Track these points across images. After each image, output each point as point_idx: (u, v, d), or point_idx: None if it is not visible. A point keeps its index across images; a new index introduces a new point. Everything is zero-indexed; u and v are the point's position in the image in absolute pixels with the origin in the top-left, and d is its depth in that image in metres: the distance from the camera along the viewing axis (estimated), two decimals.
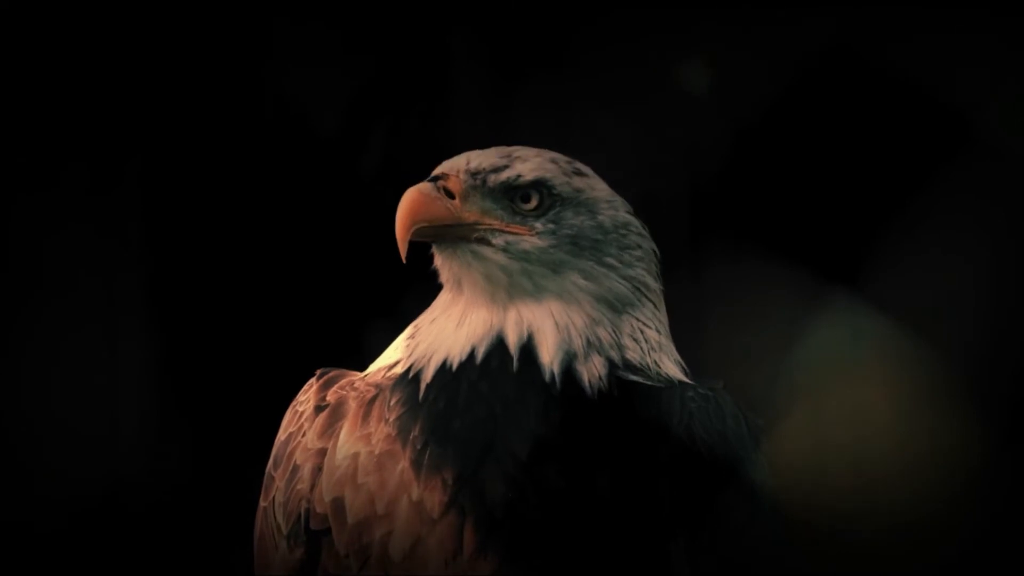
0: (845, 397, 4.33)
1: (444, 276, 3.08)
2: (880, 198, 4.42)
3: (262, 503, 3.12)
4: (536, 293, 3.01)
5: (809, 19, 4.32)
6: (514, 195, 3.03)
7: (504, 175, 3.02)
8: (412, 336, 3.10)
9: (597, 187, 3.10)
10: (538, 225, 3.02)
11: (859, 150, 4.47)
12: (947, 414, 4.29)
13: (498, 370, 2.97)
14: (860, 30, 4.30)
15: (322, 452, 3.02)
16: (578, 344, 2.99)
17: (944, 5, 4.26)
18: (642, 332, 3.05)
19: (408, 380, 3.02)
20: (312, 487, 3.00)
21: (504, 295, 3.01)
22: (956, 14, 4.24)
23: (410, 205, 2.97)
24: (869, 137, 4.46)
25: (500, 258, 3.00)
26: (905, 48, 4.26)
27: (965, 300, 4.36)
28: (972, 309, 4.37)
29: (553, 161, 3.06)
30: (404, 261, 2.99)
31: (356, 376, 3.15)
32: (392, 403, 3.00)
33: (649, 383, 3.02)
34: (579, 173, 3.08)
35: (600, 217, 3.06)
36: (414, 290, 3.15)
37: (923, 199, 4.30)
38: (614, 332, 3.02)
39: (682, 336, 3.22)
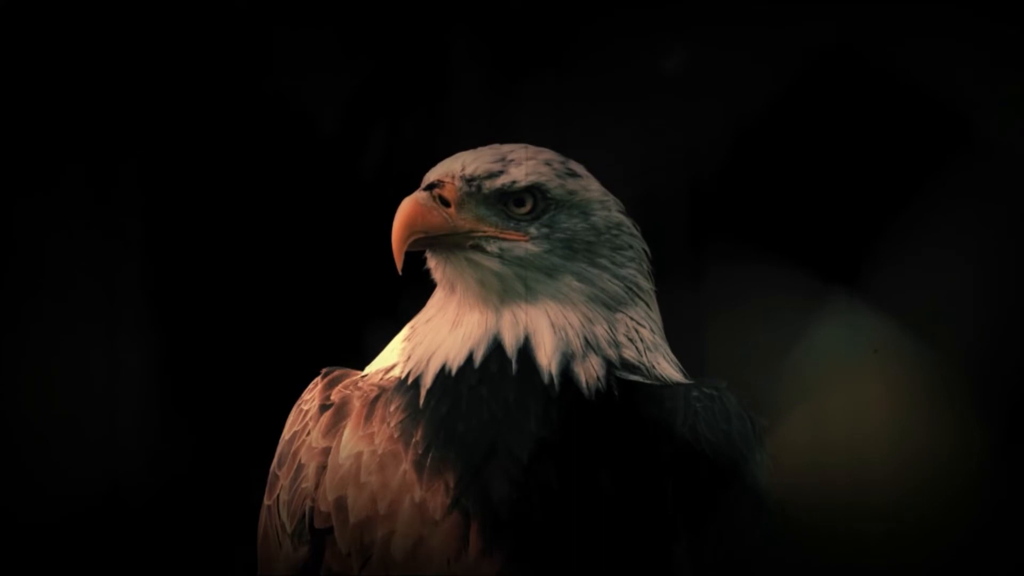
0: (845, 397, 4.33)
1: (438, 277, 3.08)
2: (880, 198, 4.42)
3: (266, 501, 3.12)
4: (530, 296, 3.02)
5: (810, 19, 4.32)
6: (508, 200, 3.03)
7: (499, 181, 3.02)
8: (408, 338, 3.11)
9: (590, 187, 3.10)
10: (532, 230, 3.03)
11: (859, 150, 4.47)
12: (947, 414, 4.29)
13: (497, 373, 2.98)
14: (861, 30, 4.30)
15: (326, 451, 3.02)
16: (576, 344, 3.00)
17: (945, 5, 4.26)
18: (637, 332, 3.06)
19: (408, 386, 3.02)
20: (316, 486, 3.01)
21: (496, 299, 3.02)
22: (956, 14, 4.24)
23: (406, 216, 2.97)
24: (869, 137, 4.46)
25: (494, 264, 3.01)
26: (905, 48, 4.26)
27: (965, 300, 4.36)
28: (972, 309, 4.37)
29: (547, 163, 3.06)
30: (400, 272, 2.99)
31: (360, 375, 3.15)
32: (393, 408, 3.00)
33: (648, 382, 3.02)
34: (572, 174, 3.08)
35: (593, 218, 3.07)
36: (413, 290, 3.15)
37: (923, 199, 4.30)
38: (610, 330, 3.03)
39: (682, 336, 3.22)
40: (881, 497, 4.29)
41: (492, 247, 3.01)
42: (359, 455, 2.98)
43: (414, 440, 2.96)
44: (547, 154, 3.09)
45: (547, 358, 2.98)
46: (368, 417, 3.02)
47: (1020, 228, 4.34)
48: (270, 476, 3.13)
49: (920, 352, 4.29)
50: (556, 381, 2.97)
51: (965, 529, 4.30)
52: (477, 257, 3.02)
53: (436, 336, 3.05)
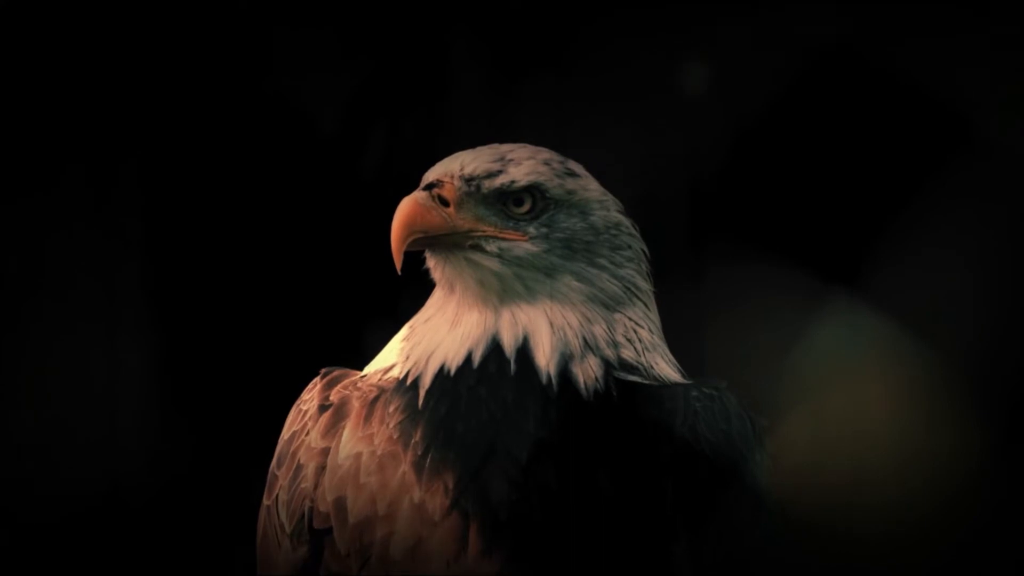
0: (845, 397, 4.33)
1: (437, 277, 3.08)
2: (880, 198, 4.42)
3: (265, 502, 3.12)
4: (529, 296, 3.01)
5: (810, 19, 4.32)
6: (507, 199, 3.02)
7: (498, 181, 3.01)
8: (407, 338, 3.10)
9: (589, 187, 3.09)
10: (531, 229, 3.01)
11: (859, 150, 4.47)
12: (947, 414, 4.29)
13: (496, 374, 2.97)
14: (861, 30, 4.30)
15: (325, 451, 3.01)
16: (575, 344, 2.99)
17: (945, 5, 4.26)
18: (635, 332, 3.05)
19: (407, 386, 3.02)
20: (315, 486, 3.00)
21: (495, 299, 3.01)
22: (956, 14, 4.25)
23: (406, 216, 2.96)
24: (869, 137, 4.46)
25: (494, 264, 3.00)
26: (906, 48, 4.27)
27: (965, 300, 4.36)
28: (972, 309, 4.37)
29: (546, 163, 3.05)
30: (399, 272, 2.98)
31: (359, 376, 3.15)
32: (392, 409, 3.00)
33: (647, 383, 3.02)
34: (571, 174, 3.07)
35: (592, 218, 3.06)
36: (413, 290, 3.15)
37: (923, 199, 4.31)
38: (609, 330, 3.02)
39: (682, 336, 3.22)
40: (881, 497, 4.29)
41: (491, 247, 3.00)
42: (358, 456, 2.97)
43: (413, 441, 2.95)
44: (546, 154, 3.08)
45: (545, 358, 2.97)
46: (367, 418, 3.01)
47: (1020, 228, 4.35)
48: (269, 476, 3.13)
49: (920, 352, 4.29)
50: (554, 381, 2.96)
51: (965, 529, 4.30)
52: (476, 257, 3.01)
53: (435, 336, 3.04)
